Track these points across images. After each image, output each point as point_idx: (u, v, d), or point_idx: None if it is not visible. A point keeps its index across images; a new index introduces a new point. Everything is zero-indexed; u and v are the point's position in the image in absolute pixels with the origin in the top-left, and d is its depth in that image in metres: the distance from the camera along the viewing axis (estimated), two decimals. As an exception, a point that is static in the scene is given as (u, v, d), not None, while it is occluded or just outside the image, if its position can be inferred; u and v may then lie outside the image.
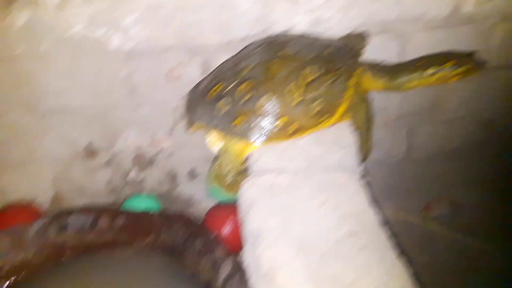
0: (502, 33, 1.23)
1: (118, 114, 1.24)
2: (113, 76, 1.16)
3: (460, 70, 1.02)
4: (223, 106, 0.97)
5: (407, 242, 1.42)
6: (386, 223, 0.89)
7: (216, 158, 1.02)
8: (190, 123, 1.03)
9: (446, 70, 1.02)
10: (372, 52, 1.20)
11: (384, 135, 1.41)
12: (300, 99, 0.95)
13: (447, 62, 1.02)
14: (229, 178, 1.01)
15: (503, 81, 1.32)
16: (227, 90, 0.98)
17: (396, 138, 1.43)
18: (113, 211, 1.23)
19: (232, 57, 1.07)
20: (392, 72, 1.07)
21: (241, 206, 0.94)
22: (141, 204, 1.33)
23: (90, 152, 1.32)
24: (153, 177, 1.39)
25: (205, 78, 1.07)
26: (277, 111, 0.95)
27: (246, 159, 1.05)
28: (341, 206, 0.90)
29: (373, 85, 1.09)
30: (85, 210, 1.25)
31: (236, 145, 1.00)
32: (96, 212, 1.21)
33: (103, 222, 1.19)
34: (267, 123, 0.95)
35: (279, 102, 0.95)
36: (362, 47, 1.17)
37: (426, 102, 1.35)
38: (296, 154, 1.02)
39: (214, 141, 1.03)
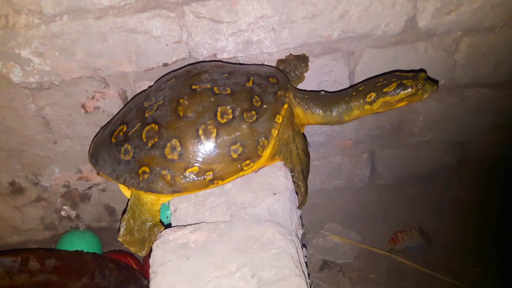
0: (467, 48, 1.06)
1: (35, 150, 1.11)
2: (22, 111, 1.04)
3: (403, 94, 0.86)
4: (126, 153, 0.84)
5: (372, 277, 1.30)
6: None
7: (127, 209, 0.88)
8: (96, 171, 0.90)
9: (388, 95, 0.87)
10: (318, 76, 1.07)
11: (342, 161, 1.27)
12: (214, 143, 0.81)
13: (388, 86, 0.87)
14: (141, 233, 0.88)
15: (474, 100, 1.16)
16: (131, 133, 0.84)
17: (357, 163, 1.28)
18: (43, 251, 1.15)
19: (144, 90, 0.93)
20: (326, 104, 0.92)
21: (150, 269, 0.81)
22: (77, 240, 1.23)
23: (17, 189, 1.20)
24: (89, 213, 1.27)
25: (114, 116, 0.93)
26: (187, 158, 0.81)
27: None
28: (262, 271, 0.76)
29: (307, 120, 0.94)
30: (13, 251, 1.17)
31: (148, 195, 0.86)
32: (24, 253, 1.14)
33: (33, 263, 1.13)
34: (176, 172, 0.81)
35: (189, 148, 0.81)
36: (303, 71, 1.02)
37: (387, 125, 1.20)
38: (219, 202, 0.88)
39: (125, 190, 0.90)
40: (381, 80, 0.89)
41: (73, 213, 1.25)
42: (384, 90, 0.87)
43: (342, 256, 1.31)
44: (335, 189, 1.33)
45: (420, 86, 0.85)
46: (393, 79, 0.87)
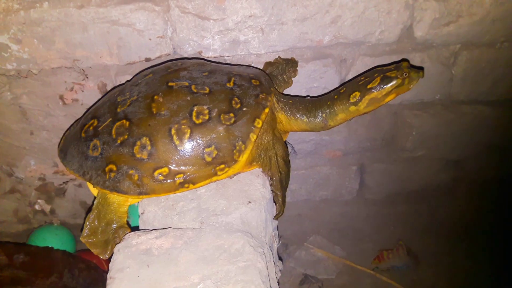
0: (466, 62, 1.01)
1: (10, 140, 1.08)
2: (-3, 98, 1.00)
3: (390, 86, 0.81)
4: (94, 148, 0.79)
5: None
6: None
7: (92, 208, 0.84)
8: (64, 166, 0.85)
9: (374, 91, 0.81)
10: (307, 82, 1.03)
11: (330, 172, 1.22)
12: (187, 144, 0.77)
13: (371, 82, 0.82)
14: (106, 235, 0.83)
15: (471, 117, 1.11)
16: (101, 128, 0.80)
17: (345, 175, 1.23)
18: (12, 245, 1.12)
19: (121, 84, 0.89)
20: (310, 110, 0.87)
21: (108, 273, 0.76)
22: (49, 236, 1.19)
23: (-10, 179, 1.16)
24: (64, 208, 1.23)
25: (88, 109, 0.89)
26: (157, 159, 0.76)
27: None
28: (226, 285, 0.71)
29: (291, 126, 0.89)
30: (-21, 245, 1.14)
31: (115, 195, 0.82)
32: (-9, 247, 1.11)
33: (1, 257, 1.09)
34: (144, 173, 0.77)
35: (159, 147, 0.76)
36: (291, 75, 0.98)
37: (378, 138, 1.15)
38: (189, 208, 0.83)
39: (92, 188, 0.85)
40: (363, 78, 0.84)
41: (47, 208, 1.21)
42: (368, 87, 0.82)
43: (324, 272, 1.26)
44: (321, 200, 1.28)
45: (405, 74, 0.80)
46: (375, 74, 0.82)
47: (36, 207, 1.20)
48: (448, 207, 1.29)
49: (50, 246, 1.12)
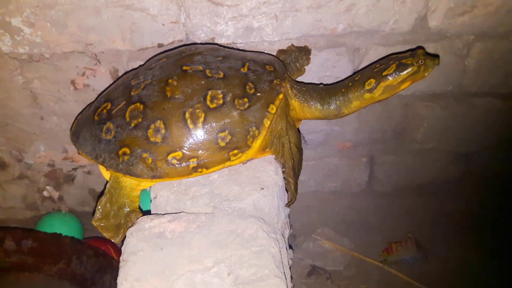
0: (479, 54, 1.01)
1: (21, 125, 1.07)
2: (9, 82, 1.00)
3: (406, 73, 0.80)
4: (107, 131, 0.79)
5: (362, 287, 1.24)
6: None
7: (104, 192, 0.84)
8: (77, 149, 0.85)
9: (390, 78, 0.81)
10: (319, 71, 1.02)
11: (340, 164, 1.21)
12: (201, 128, 0.76)
13: (387, 69, 0.81)
14: (118, 219, 0.83)
15: (483, 110, 1.10)
16: (114, 112, 0.80)
17: (355, 167, 1.23)
18: (20, 231, 1.12)
19: (135, 69, 0.88)
20: (324, 97, 0.86)
21: (121, 256, 0.76)
22: (57, 223, 1.19)
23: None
24: (72, 195, 1.23)
25: (101, 93, 0.89)
26: (171, 142, 0.76)
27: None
28: (239, 269, 0.71)
29: (304, 114, 0.88)
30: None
31: (127, 179, 0.82)
32: (1, 231, 1.08)
33: (9, 242, 1.09)
34: (158, 156, 0.76)
35: (173, 131, 0.76)
36: (304, 63, 0.97)
37: (389, 129, 1.14)
38: (202, 193, 0.83)
39: (104, 171, 0.85)
40: (378, 65, 0.83)
41: (56, 194, 1.21)
42: (384, 74, 0.81)
43: (332, 263, 1.26)
44: (330, 192, 1.28)
45: (421, 61, 0.79)
46: (391, 62, 0.82)
47: (45, 193, 1.20)
48: (458, 200, 1.29)
49: (58, 233, 1.12)
